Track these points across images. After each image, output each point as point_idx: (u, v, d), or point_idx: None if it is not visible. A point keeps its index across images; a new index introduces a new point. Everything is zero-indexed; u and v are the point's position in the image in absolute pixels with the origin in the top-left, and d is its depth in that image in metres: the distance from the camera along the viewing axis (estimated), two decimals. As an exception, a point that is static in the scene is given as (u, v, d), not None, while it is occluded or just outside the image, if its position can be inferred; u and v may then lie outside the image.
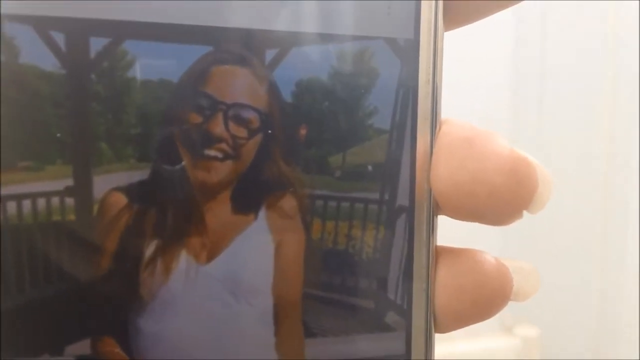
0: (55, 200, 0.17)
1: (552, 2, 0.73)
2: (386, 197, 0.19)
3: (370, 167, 0.19)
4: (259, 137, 0.18)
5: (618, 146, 0.76)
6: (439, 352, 0.20)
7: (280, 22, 0.18)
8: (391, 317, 0.19)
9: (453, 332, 0.19)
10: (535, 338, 0.76)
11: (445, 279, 0.18)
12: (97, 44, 0.17)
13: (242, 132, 0.18)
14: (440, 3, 0.18)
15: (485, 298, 0.18)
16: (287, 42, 0.18)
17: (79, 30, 0.17)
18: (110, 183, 0.17)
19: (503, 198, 0.17)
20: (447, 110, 0.19)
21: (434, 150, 0.18)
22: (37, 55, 0.16)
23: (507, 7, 0.20)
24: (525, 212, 0.18)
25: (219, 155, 0.18)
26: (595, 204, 0.77)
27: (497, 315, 0.18)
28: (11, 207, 0.17)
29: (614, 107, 0.76)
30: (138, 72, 0.17)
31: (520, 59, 0.73)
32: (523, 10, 0.73)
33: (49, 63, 0.16)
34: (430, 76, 0.18)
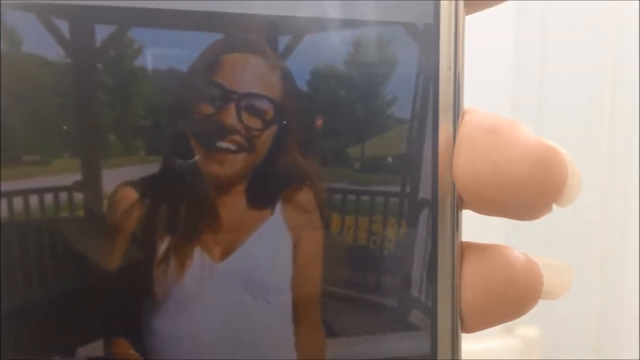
0: (63, 196, 0.16)
1: (553, 2, 0.72)
2: (408, 189, 0.18)
3: (390, 159, 0.18)
4: (273, 128, 0.17)
5: (618, 146, 0.75)
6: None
7: (293, 7, 0.17)
8: (415, 316, 0.18)
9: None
10: (536, 338, 0.75)
11: (471, 275, 0.17)
12: (102, 32, 0.16)
13: (256, 123, 0.17)
14: None
15: (514, 296, 0.17)
16: (301, 28, 0.17)
17: (84, 17, 0.16)
18: (120, 177, 0.16)
19: (530, 189, 0.16)
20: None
21: (456, 140, 0.17)
22: (40, 44, 0.16)
23: None
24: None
25: (232, 147, 0.17)
26: (596, 205, 0.76)
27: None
28: (17, 203, 0.16)
29: (614, 107, 0.75)
30: (146, 61, 0.16)
31: (520, 59, 0.72)
32: (523, 9, 0.72)
33: (53, 52, 0.16)
34: (452, 62, 0.18)
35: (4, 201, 0.16)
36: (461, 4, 0.18)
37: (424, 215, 0.18)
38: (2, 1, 0.15)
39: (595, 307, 0.77)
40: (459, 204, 0.18)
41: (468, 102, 0.18)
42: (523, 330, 0.75)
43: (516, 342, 0.74)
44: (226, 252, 0.17)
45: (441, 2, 0.17)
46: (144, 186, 0.16)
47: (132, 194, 0.16)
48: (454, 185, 0.17)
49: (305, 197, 0.17)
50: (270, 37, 0.17)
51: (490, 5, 0.19)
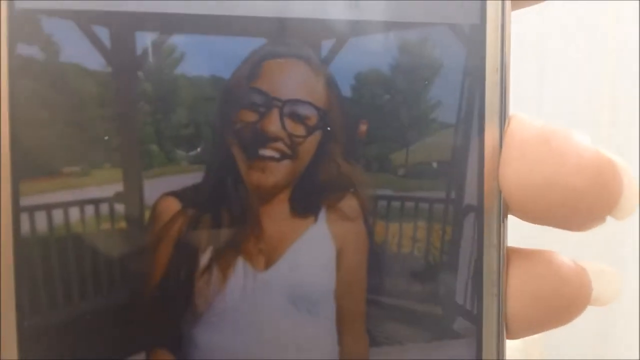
0: (104, 207, 0.16)
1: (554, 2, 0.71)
2: (453, 196, 0.17)
3: (435, 164, 0.17)
4: (317, 135, 0.17)
5: (618, 146, 0.74)
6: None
7: (336, 10, 0.16)
8: (460, 324, 0.17)
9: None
10: (536, 338, 0.75)
11: (518, 283, 0.17)
12: (143, 39, 0.16)
13: (299, 130, 0.16)
14: None
15: (563, 304, 0.17)
16: (344, 31, 0.16)
17: (124, 24, 0.15)
18: (162, 187, 0.16)
19: (583, 203, 0.16)
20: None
21: (503, 148, 0.17)
22: (80, 53, 0.15)
23: None
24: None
25: (275, 155, 0.16)
26: None
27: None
28: (57, 216, 0.16)
29: (614, 108, 0.74)
30: (187, 68, 0.16)
31: (520, 58, 0.72)
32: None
33: (93, 61, 0.15)
34: (499, 64, 0.17)
35: (45, 215, 0.15)
36: (508, 3, 0.17)
37: (469, 222, 0.17)
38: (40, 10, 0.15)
39: (596, 308, 0.77)
40: (505, 211, 0.17)
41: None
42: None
43: (516, 341, 0.74)
44: (269, 261, 0.17)
45: (487, 2, 0.17)
46: (186, 196, 0.16)
47: (174, 205, 0.16)
48: (499, 191, 0.17)
49: (349, 204, 0.17)
50: (313, 41, 0.16)
51: (533, 4, 0.18)
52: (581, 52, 0.71)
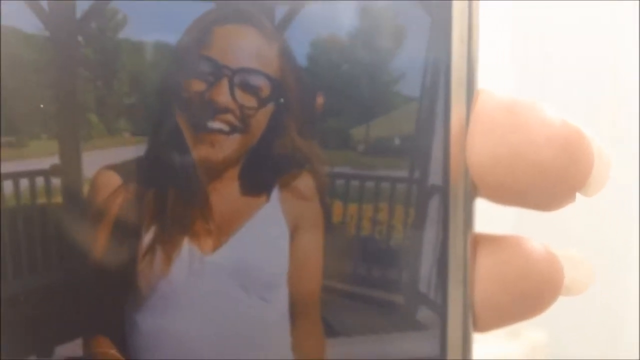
0: (39, 181, 0.15)
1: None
2: (416, 175, 0.16)
3: (397, 141, 0.16)
4: (270, 107, 0.16)
5: (619, 146, 0.73)
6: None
7: None
8: (423, 314, 0.16)
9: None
10: (543, 342, 0.74)
11: (486, 269, 0.16)
12: (83, 2, 0.15)
13: (250, 101, 0.15)
14: None
15: (533, 291, 0.16)
16: None
17: None
18: (102, 160, 0.15)
19: (552, 176, 0.15)
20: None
21: (470, 122, 0.16)
22: (17, 16, 0.14)
23: None
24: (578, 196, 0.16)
25: (225, 127, 0.15)
26: (599, 207, 0.74)
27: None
28: None
29: (615, 108, 0.74)
30: (130, 33, 0.15)
31: (521, 56, 0.71)
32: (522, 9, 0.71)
33: (31, 24, 0.14)
34: (466, 35, 0.16)
35: None
36: None
37: (433, 203, 0.16)
38: None
39: (602, 312, 0.76)
40: (472, 192, 0.16)
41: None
42: (530, 334, 0.74)
43: (523, 346, 0.73)
44: (217, 243, 0.16)
45: None
46: (128, 170, 0.15)
47: (115, 179, 0.15)
48: (467, 170, 0.16)
49: (305, 182, 0.16)
50: (267, 6, 0.15)
51: None
52: (583, 53, 0.70)
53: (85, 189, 0.15)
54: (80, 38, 0.15)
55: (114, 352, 0.15)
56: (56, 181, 0.15)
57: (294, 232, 0.16)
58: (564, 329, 0.74)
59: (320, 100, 0.16)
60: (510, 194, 0.15)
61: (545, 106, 0.15)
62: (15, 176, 0.15)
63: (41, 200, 0.15)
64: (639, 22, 0.68)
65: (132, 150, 0.15)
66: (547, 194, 0.15)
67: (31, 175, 0.15)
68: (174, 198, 0.15)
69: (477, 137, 0.15)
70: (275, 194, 0.16)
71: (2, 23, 0.14)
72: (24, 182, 0.15)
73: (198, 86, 0.15)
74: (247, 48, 0.15)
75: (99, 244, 0.15)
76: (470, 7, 0.16)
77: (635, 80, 0.70)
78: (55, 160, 0.15)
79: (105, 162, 0.15)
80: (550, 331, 0.74)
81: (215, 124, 0.15)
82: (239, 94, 0.15)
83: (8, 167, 0.15)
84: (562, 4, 0.70)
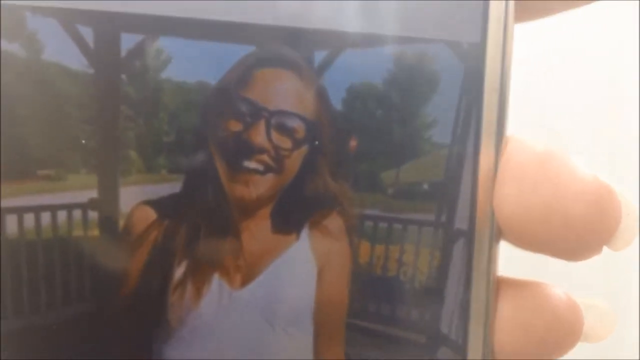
0: (77, 214, 0.15)
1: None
2: (443, 219, 0.17)
3: (426, 185, 0.17)
4: (304, 149, 0.16)
5: (619, 146, 0.73)
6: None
7: (331, 20, 0.16)
8: (444, 354, 0.17)
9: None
10: None
11: (508, 314, 0.16)
12: (128, 41, 0.15)
13: (286, 143, 0.16)
14: (512, 2, 0.16)
15: (554, 339, 0.16)
16: (339, 42, 0.16)
17: (110, 25, 0.15)
18: (139, 196, 0.15)
19: (581, 229, 0.15)
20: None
21: (499, 170, 0.16)
22: (62, 52, 0.15)
23: (577, 6, 0.17)
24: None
25: (260, 167, 0.16)
26: None
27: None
28: (29, 220, 0.15)
29: (615, 108, 0.74)
30: (173, 72, 0.15)
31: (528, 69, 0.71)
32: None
33: (76, 61, 0.15)
34: (498, 84, 0.16)
35: (16, 218, 0.15)
36: (511, 21, 0.16)
37: (458, 247, 0.17)
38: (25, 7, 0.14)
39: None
40: (497, 237, 0.17)
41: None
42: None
43: None
44: (246, 279, 0.16)
45: (489, 19, 0.16)
46: (164, 206, 0.15)
47: (150, 214, 0.15)
48: (493, 216, 0.16)
49: (334, 222, 0.16)
50: (306, 51, 0.16)
51: (533, 20, 0.18)
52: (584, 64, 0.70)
53: (122, 223, 0.15)
54: (123, 76, 0.15)
55: None
56: (93, 214, 0.15)
57: (322, 270, 0.16)
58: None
59: (353, 143, 0.16)
60: (538, 243, 0.16)
61: (575, 159, 0.16)
62: (53, 208, 0.15)
63: (78, 232, 0.15)
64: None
65: (168, 187, 0.15)
66: (575, 246, 0.15)
67: (69, 208, 0.15)
68: (206, 234, 0.16)
69: (506, 185, 0.16)
70: (305, 232, 0.16)
71: (50, 59, 0.15)
72: (62, 215, 0.15)
73: (235, 126, 0.16)
74: (284, 91, 0.16)
75: (132, 276, 0.15)
76: (503, 57, 0.16)
77: (636, 82, 0.70)
78: (93, 194, 0.15)
79: (142, 197, 0.15)
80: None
81: (251, 164, 0.16)
82: (275, 135, 0.16)
83: (48, 199, 0.15)
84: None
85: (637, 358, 0.69)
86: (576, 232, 0.15)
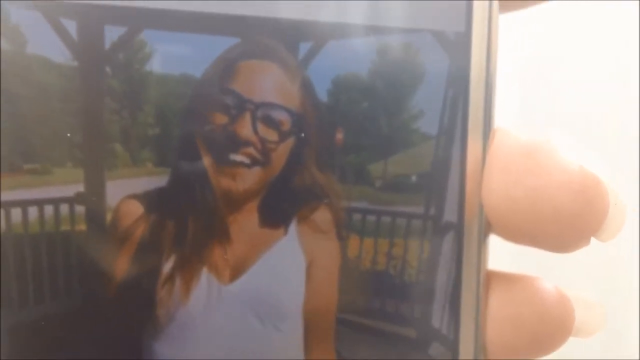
0: (64, 208, 0.15)
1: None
2: (432, 211, 0.16)
3: (414, 177, 0.17)
4: (290, 141, 0.16)
5: (620, 145, 0.73)
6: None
7: (315, 11, 0.16)
8: (435, 349, 0.16)
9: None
10: None
11: (499, 308, 0.16)
12: (112, 34, 0.15)
13: (272, 135, 0.16)
14: None
15: (545, 333, 0.16)
16: (323, 34, 0.16)
17: (93, 18, 0.15)
18: (125, 189, 0.15)
19: (568, 220, 0.15)
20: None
21: (487, 160, 0.16)
22: (46, 45, 0.15)
23: None
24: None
25: (246, 160, 0.16)
26: None
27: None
28: (15, 214, 0.15)
29: (615, 108, 0.74)
30: (157, 65, 0.15)
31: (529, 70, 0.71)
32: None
33: (60, 54, 0.15)
34: (484, 74, 0.16)
35: (2, 212, 0.15)
36: (495, 10, 0.16)
37: (448, 240, 0.16)
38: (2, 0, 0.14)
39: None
40: (487, 229, 0.16)
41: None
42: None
43: None
44: (235, 274, 0.16)
45: (474, 8, 0.16)
46: (151, 200, 0.15)
47: (137, 208, 0.15)
48: (482, 208, 0.16)
49: (322, 216, 0.16)
50: (291, 42, 0.16)
51: (519, 9, 0.18)
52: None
53: (108, 217, 0.15)
54: (107, 68, 0.15)
55: None
56: (80, 208, 0.15)
57: (311, 264, 0.16)
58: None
59: (339, 135, 0.16)
60: (525, 235, 0.15)
61: (562, 150, 0.16)
62: (40, 203, 0.15)
63: (64, 227, 0.15)
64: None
65: (154, 180, 0.15)
66: (562, 237, 0.15)
67: (56, 202, 0.15)
68: (194, 228, 0.16)
69: (494, 177, 0.16)
70: (293, 226, 0.16)
71: (34, 52, 0.15)
72: (49, 209, 0.15)
73: (221, 119, 0.15)
74: (270, 83, 0.16)
75: (119, 271, 0.15)
76: (489, 46, 0.16)
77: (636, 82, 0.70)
78: (79, 188, 0.15)
79: (129, 191, 0.15)
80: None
81: (238, 157, 0.16)
82: (261, 127, 0.16)
83: (33, 193, 0.15)
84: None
85: (637, 358, 0.69)
86: (563, 223, 0.15)
